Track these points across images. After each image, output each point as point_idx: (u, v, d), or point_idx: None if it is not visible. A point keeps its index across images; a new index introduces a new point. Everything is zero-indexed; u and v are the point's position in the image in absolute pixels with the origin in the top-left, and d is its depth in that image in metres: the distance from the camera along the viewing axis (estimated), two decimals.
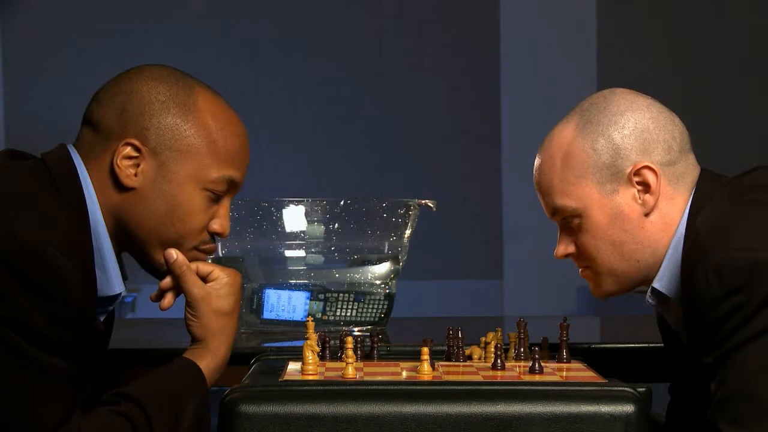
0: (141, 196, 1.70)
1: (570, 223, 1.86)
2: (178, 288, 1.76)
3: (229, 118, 1.76)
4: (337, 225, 2.48)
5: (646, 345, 2.25)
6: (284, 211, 2.47)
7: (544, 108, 6.37)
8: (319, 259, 2.49)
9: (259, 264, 2.49)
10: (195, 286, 1.74)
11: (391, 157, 6.54)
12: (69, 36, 6.30)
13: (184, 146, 1.70)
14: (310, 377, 1.71)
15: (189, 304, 1.74)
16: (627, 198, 1.81)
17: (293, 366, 1.81)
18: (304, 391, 1.60)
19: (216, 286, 1.75)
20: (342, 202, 2.49)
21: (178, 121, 1.70)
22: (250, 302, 2.45)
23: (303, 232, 2.48)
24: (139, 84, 1.71)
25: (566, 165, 1.83)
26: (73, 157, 1.70)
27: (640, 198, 1.81)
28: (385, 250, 2.51)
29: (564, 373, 1.76)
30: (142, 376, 1.69)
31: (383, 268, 2.51)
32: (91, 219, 1.67)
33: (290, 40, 6.47)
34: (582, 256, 1.87)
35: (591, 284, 1.89)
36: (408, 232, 2.53)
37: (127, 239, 1.72)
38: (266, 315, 2.45)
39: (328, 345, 1.88)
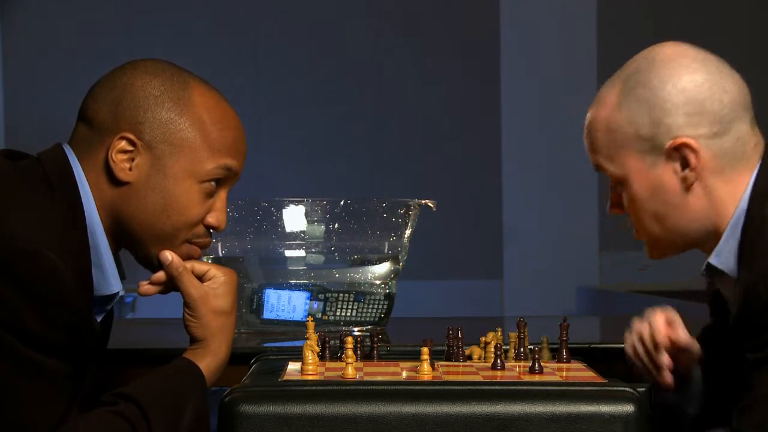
0: (136, 191, 1.69)
1: (617, 186, 1.82)
2: (169, 285, 1.76)
3: (224, 111, 1.75)
4: (337, 225, 2.48)
5: None
6: (284, 211, 2.47)
7: (544, 108, 6.37)
8: (319, 259, 2.49)
9: (259, 264, 2.48)
10: (192, 287, 1.73)
11: (391, 157, 6.54)
12: (69, 36, 6.30)
13: (178, 140, 1.70)
14: (310, 377, 1.71)
15: (187, 305, 1.74)
16: (668, 171, 1.75)
17: (293, 366, 1.81)
18: (304, 391, 1.60)
19: (213, 286, 1.74)
20: (342, 202, 2.49)
21: (173, 115, 1.70)
22: (250, 302, 2.45)
23: (303, 232, 2.48)
24: (134, 78, 1.71)
25: (608, 134, 1.78)
26: (69, 156, 1.70)
27: (681, 172, 1.75)
28: (385, 250, 2.51)
29: (564, 373, 1.76)
30: (142, 376, 1.69)
31: (383, 268, 2.51)
32: (87, 218, 1.67)
33: (290, 40, 6.47)
34: (630, 217, 1.83)
35: (644, 246, 1.85)
36: (408, 232, 2.53)
37: (123, 234, 1.71)
38: (266, 315, 2.45)
39: (328, 345, 1.88)
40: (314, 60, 6.48)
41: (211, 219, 1.75)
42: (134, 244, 1.72)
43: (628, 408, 1.58)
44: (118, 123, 1.69)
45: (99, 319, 1.72)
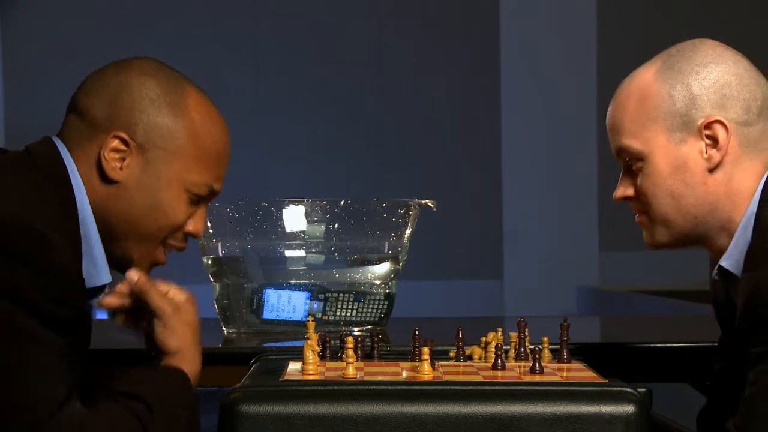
0: (124, 190, 1.70)
1: (633, 165, 1.82)
2: (133, 301, 1.75)
3: (216, 121, 1.77)
4: (337, 225, 2.48)
5: (646, 345, 2.25)
6: (284, 211, 2.47)
7: (544, 108, 6.37)
8: (319, 259, 2.49)
9: (259, 264, 2.48)
10: (163, 300, 1.73)
11: (391, 157, 6.54)
12: (69, 36, 6.30)
13: (172, 146, 1.71)
14: (311, 377, 1.71)
15: (160, 318, 1.73)
16: (693, 150, 1.77)
17: (293, 366, 1.81)
18: (305, 391, 1.60)
19: (179, 300, 1.75)
20: (342, 202, 2.49)
21: (168, 120, 1.71)
22: (250, 302, 2.45)
23: (303, 232, 2.48)
24: (130, 77, 1.72)
25: (640, 106, 1.80)
26: (59, 148, 1.70)
27: (706, 152, 1.77)
28: (385, 250, 2.51)
29: (564, 373, 1.76)
30: (133, 373, 1.68)
31: (383, 268, 2.51)
32: (78, 208, 1.67)
33: (290, 40, 6.48)
34: (639, 201, 1.83)
35: (645, 233, 1.85)
36: (408, 232, 2.53)
37: (104, 230, 1.72)
38: (266, 315, 2.45)
39: (328, 345, 1.88)
40: (314, 60, 6.48)
41: (190, 226, 1.76)
42: (113, 240, 1.73)
43: (629, 408, 1.58)
44: (112, 121, 1.70)
45: None
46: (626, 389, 1.60)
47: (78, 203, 1.68)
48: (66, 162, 1.69)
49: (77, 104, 1.73)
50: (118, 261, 1.75)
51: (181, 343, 1.73)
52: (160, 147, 1.70)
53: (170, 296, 1.75)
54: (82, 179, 1.70)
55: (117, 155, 1.69)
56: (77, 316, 1.61)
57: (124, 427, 1.60)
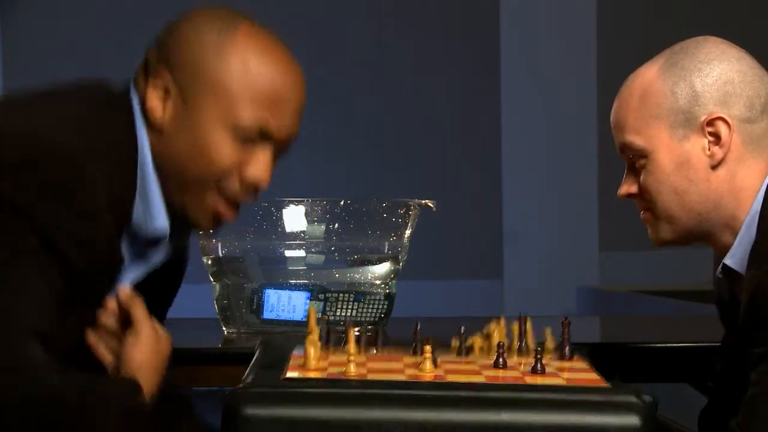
0: (166, 132, 1.64)
1: (636, 162, 1.83)
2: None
3: (269, 56, 1.67)
4: (337, 225, 2.48)
5: (646, 345, 2.25)
6: (284, 211, 2.47)
7: (544, 108, 6.37)
8: (319, 259, 2.49)
9: (259, 264, 2.48)
10: (147, 318, 1.64)
11: (391, 157, 6.54)
12: (69, 36, 6.30)
13: (210, 82, 1.63)
14: (313, 374, 1.70)
15: (136, 329, 1.63)
16: (696, 147, 1.78)
17: (296, 360, 1.79)
18: (309, 394, 1.60)
19: (161, 330, 1.68)
20: (342, 202, 2.49)
21: (209, 55, 1.64)
22: (250, 302, 2.45)
23: (303, 232, 2.48)
24: (185, 20, 1.68)
25: (643, 103, 1.80)
26: (132, 89, 1.66)
27: (709, 149, 1.77)
28: (385, 250, 2.51)
29: (566, 374, 1.75)
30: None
31: (383, 268, 2.51)
32: (138, 149, 1.62)
33: (290, 40, 6.47)
34: (643, 198, 1.84)
35: (650, 229, 1.86)
36: (408, 232, 2.53)
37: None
38: (266, 315, 2.45)
39: (331, 335, 1.86)
40: (314, 60, 6.48)
41: (248, 171, 1.66)
42: (163, 186, 1.65)
43: (634, 420, 1.56)
44: (158, 62, 1.65)
45: (143, 277, 1.67)
46: (632, 400, 1.58)
47: (139, 144, 1.63)
48: (133, 102, 1.65)
49: (145, 54, 1.69)
50: (172, 210, 1.67)
51: (145, 360, 1.62)
52: (199, 84, 1.63)
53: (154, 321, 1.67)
54: None
55: (158, 94, 1.64)
56: (93, 265, 1.55)
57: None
